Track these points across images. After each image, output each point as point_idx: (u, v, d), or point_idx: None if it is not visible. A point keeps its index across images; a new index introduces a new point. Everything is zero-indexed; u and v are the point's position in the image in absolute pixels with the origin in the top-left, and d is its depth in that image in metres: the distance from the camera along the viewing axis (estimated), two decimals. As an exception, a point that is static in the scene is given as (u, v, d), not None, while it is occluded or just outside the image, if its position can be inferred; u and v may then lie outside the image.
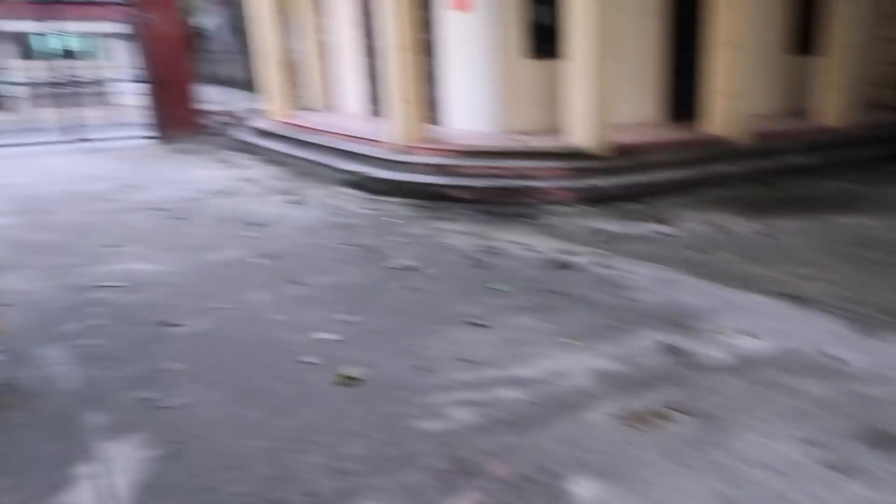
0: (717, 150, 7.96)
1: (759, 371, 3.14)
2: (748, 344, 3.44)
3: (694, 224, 5.84)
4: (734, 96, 8.01)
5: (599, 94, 7.11)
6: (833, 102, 9.07)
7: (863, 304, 3.94)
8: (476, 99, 8.77)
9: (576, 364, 3.25)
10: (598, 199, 6.71)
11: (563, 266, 4.78)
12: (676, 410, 2.78)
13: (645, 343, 3.47)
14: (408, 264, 4.90)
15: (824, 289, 4.23)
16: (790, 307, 3.93)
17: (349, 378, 3.14)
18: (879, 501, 2.23)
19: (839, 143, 8.72)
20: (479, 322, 3.76)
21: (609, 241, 5.39)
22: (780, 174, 7.77)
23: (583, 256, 4.99)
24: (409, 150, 8.00)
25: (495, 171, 7.17)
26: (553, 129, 8.05)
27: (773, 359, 3.27)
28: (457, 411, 2.85)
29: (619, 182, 7.03)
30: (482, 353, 3.39)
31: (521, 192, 6.89)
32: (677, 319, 3.76)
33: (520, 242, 5.39)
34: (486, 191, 6.97)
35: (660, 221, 5.94)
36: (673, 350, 3.38)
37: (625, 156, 7.39)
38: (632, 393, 2.96)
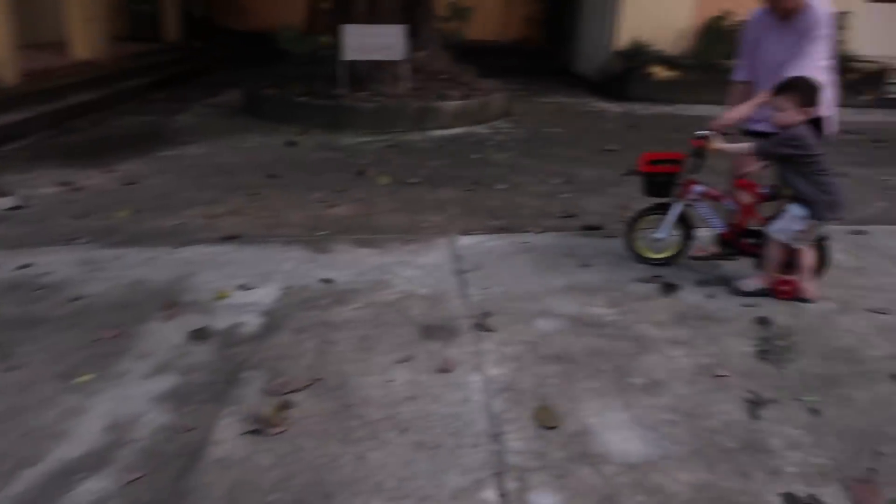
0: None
1: (302, 316, 2.97)
2: (259, 296, 3.14)
3: (37, 188, 4.74)
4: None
5: None
6: (85, 34, 8.73)
7: (289, 227, 4.10)
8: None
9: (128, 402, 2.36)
10: None
11: None
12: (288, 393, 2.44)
13: (175, 338, 2.78)
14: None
15: (244, 221, 4.15)
16: (240, 247, 3.72)
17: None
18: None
19: (106, 76, 8.40)
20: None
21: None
22: (70, 115, 7.01)
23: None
24: None
25: None
26: None
27: (296, 300, 3.12)
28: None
29: None
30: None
31: None
32: (170, 301, 3.09)
33: None
34: None
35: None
36: (203, 334, 2.82)
37: None
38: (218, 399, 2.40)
